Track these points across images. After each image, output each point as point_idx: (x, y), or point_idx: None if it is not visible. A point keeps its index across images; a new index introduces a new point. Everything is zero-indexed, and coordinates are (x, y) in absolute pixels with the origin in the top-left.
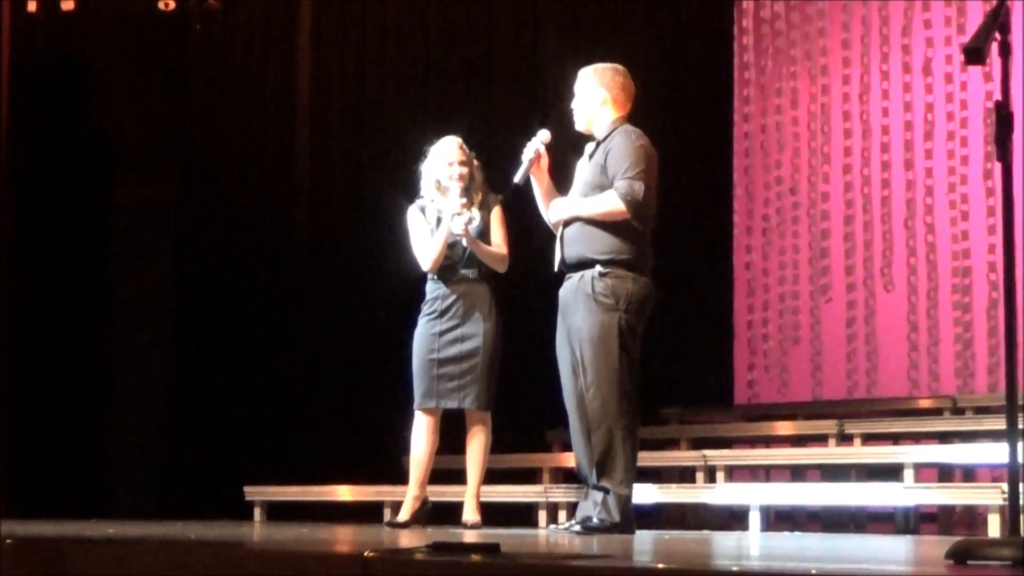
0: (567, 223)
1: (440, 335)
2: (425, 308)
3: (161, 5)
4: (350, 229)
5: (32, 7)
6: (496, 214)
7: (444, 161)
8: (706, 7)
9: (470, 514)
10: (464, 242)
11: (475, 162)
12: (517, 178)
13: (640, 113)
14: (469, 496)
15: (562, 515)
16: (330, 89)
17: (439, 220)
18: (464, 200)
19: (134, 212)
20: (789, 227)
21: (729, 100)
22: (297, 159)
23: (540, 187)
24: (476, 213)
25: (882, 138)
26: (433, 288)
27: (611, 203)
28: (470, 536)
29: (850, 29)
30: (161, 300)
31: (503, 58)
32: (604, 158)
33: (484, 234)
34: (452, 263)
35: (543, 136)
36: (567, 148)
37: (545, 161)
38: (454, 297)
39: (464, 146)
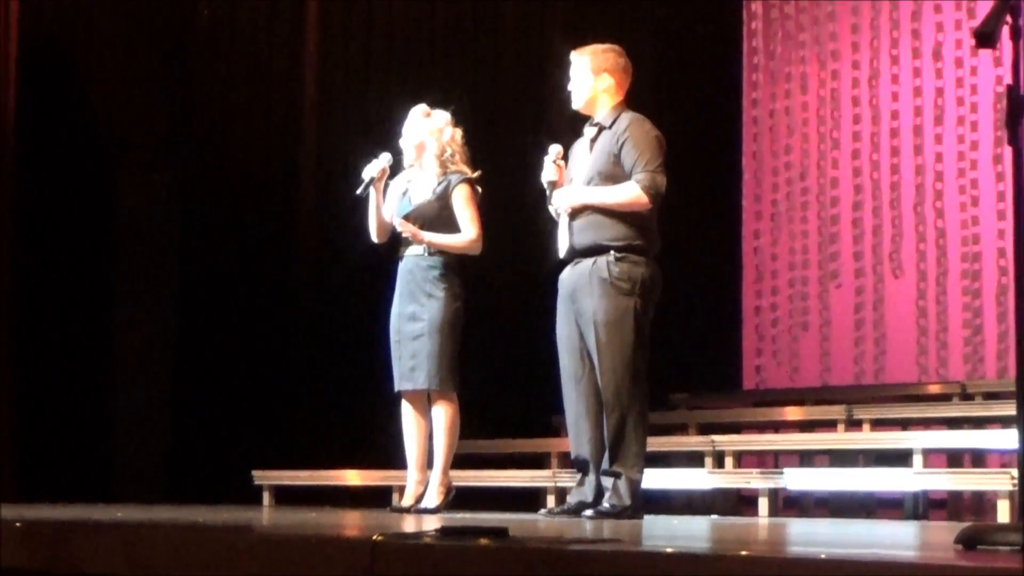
0: (576, 211)
1: (399, 315)
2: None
3: None
4: (356, 215)
5: None
6: (460, 194)
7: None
8: None
9: (431, 498)
10: (399, 227)
11: (454, 135)
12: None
13: (648, 97)
14: (432, 480)
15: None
16: (336, 78)
17: (405, 191)
18: (379, 165)
19: (139, 198)
20: (798, 212)
21: (738, 85)
22: (303, 146)
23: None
24: (416, 175)
25: (891, 123)
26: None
27: (633, 195)
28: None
29: (860, 14)
30: (167, 285)
31: (509, 51)
32: (616, 147)
33: (443, 212)
34: (401, 241)
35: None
36: (569, 134)
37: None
38: (403, 275)
39: (428, 114)
